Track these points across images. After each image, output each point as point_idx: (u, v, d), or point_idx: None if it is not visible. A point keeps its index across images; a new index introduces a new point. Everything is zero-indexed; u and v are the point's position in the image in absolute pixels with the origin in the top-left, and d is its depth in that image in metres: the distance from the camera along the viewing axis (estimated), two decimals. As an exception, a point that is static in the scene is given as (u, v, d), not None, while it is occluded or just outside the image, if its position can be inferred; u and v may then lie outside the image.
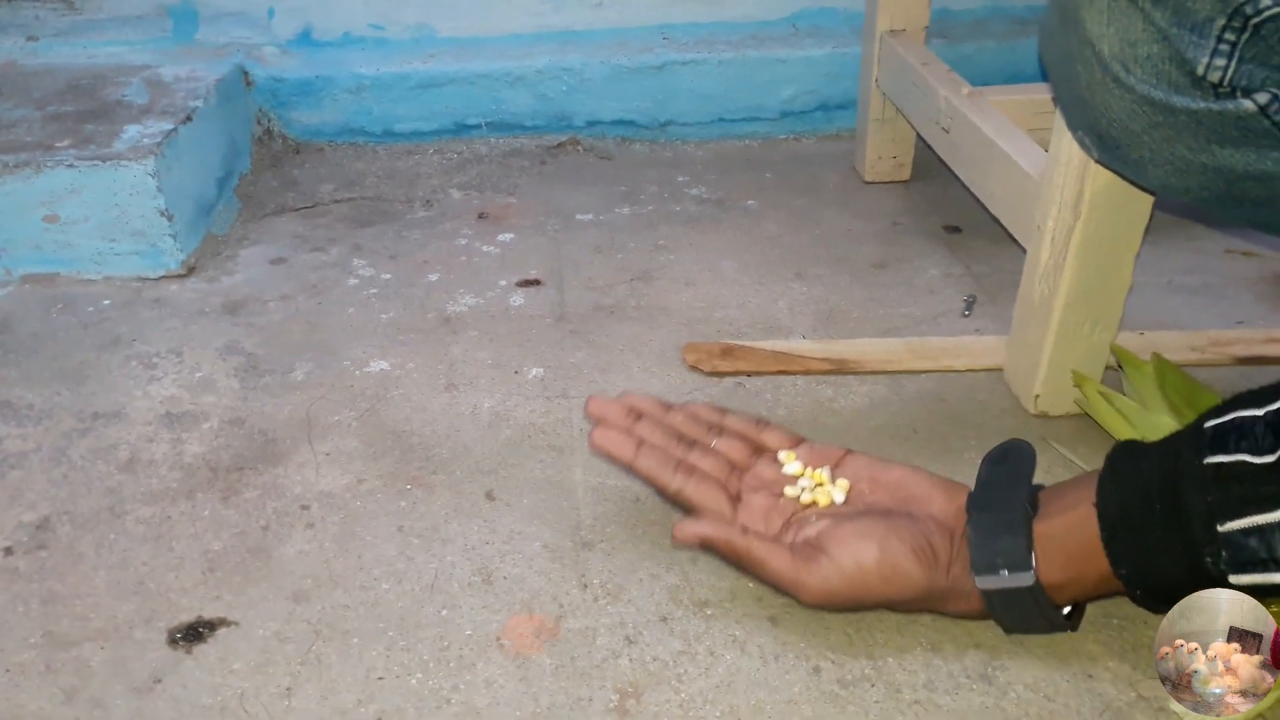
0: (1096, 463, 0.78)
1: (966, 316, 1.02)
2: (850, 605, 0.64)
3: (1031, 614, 0.61)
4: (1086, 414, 0.82)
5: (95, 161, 1.06)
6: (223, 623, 0.67)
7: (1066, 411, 0.85)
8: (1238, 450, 0.52)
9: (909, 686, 0.62)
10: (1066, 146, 0.75)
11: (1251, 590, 0.53)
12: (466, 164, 1.38)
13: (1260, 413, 0.53)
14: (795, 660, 0.63)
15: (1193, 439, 0.55)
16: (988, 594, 0.60)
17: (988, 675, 0.62)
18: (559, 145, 1.43)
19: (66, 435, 0.86)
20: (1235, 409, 0.54)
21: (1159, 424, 0.76)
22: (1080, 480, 0.61)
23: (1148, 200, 0.76)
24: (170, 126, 1.13)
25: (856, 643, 0.64)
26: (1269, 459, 0.51)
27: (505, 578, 0.71)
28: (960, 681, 0.62)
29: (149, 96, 1.22)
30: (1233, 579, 0.52)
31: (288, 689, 0.62)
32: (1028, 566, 0.59)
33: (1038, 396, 0.84)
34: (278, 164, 1.38)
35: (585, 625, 0.67)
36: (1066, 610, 0.62)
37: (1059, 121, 0.75)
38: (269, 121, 1.41)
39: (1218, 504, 0.52)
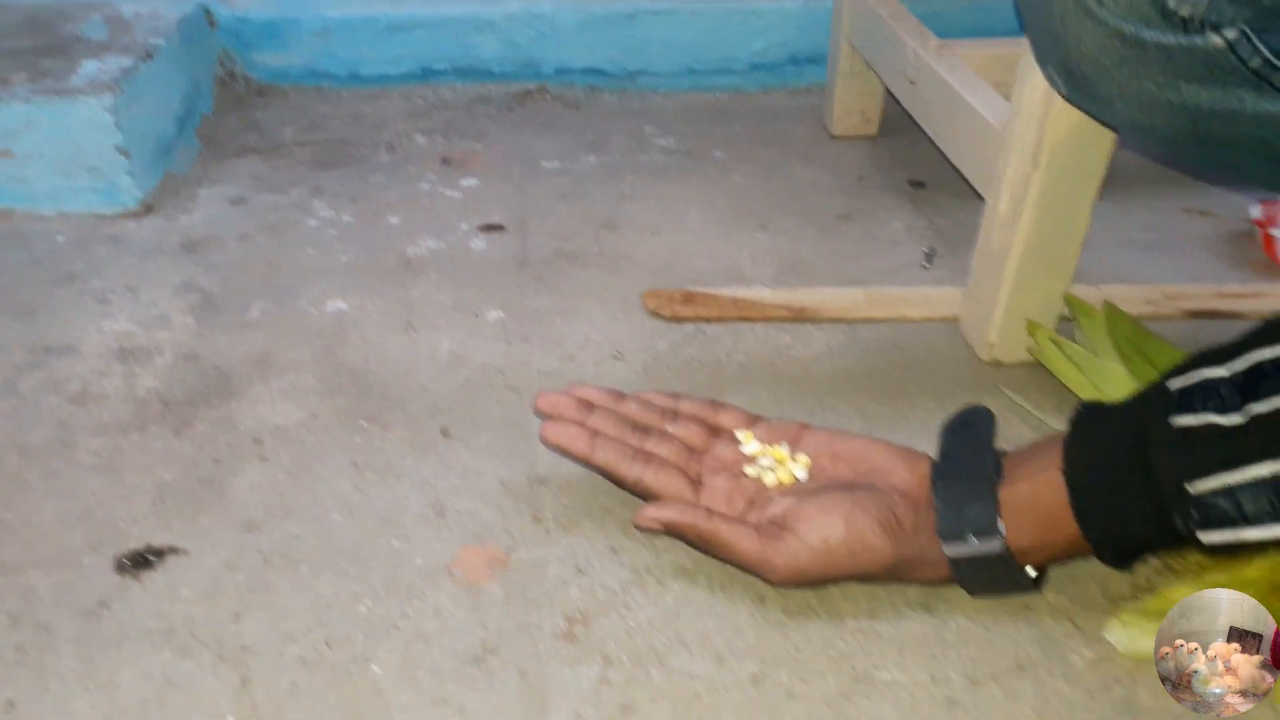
0: (1048, 409, 0.80)
1: (927, 268, 1.02)
2: (819, 581, 0.63)
3: (999, 579, 0.61)
4: (1038, 361, 0.83)
5: (51, 96, 1.04)
6: (172, 551, 0.67)
7: (1019, 359, 0.86)
8: (1204, 410, 0.52)
9: (851, 615, 0.63)
10: (1028, 96, 0.75)
11: (1222, 548, 0.53)
12: (432, 109, 1.37)
13: (1225, 372, 0.53)
14: (742, 591, 0.64)
15: (1158, 400, 0.55)
16: (956, 561, 0.60)
17: (928, 606, 0.63)
18: (527, 93, 1.42)
19: (16, 368, 0.85)
20: (1198, 368, 0.54)
21: (1108, 370, 0.77)
22: (1044, 445, 0.61)
23: (1105, 150, 0.76)
24: (129, 63, 1.11)
25: (803, 576, 0.65)
26: (1237, 418, 0.51)
27: (458, 511, 0.71)
28: (902, 611, 0.63)
29: (109, 33, 1.20)
30: (1203, 537, 0.52)
31: (236, 615, 0.63)
32: (995, 533, 0.59)
33: (992, 344, 0.85)
34: (240, 105, 1.37)
35: (536, 556, 0.67)
36: (1033, 573, 0.62)
37: (1022, 71, 0.75)
38: (232, 63, 1.39)
39: (1187, 465, 0.52)
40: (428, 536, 0.69)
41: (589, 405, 0.71)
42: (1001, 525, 0.59)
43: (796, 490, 0.65)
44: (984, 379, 0.85)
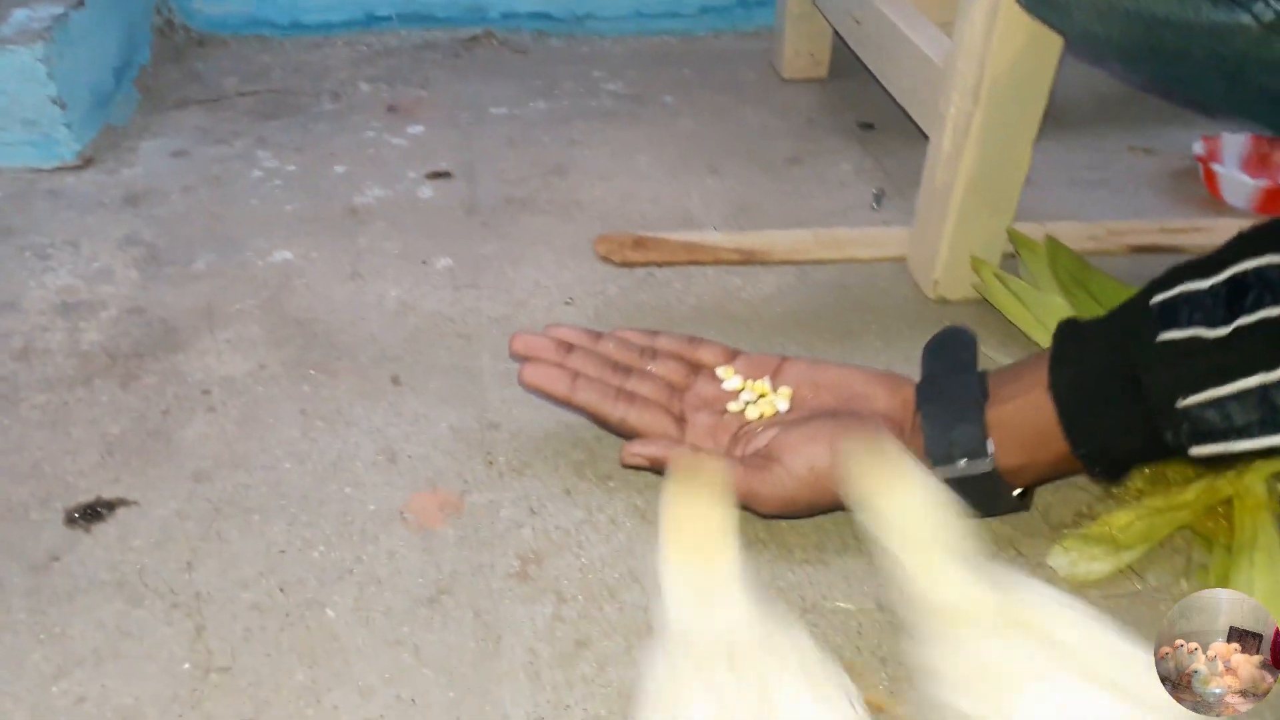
0: (993, 345, 0.81)
1: (875, 209, 1.03)
2: (808, 510, 0.63)
3: (989, 499, 0.61)
4: (984, 298, 0.85)
5: (-20, 46, 1.01)
6: (122, 503, 0.67)
7: (964, 296, 0.87)
8: (1190, 324, 0.52)
9: (800, 548, 0.64)
10: (969, 32, 0.75)
11: (1212, 460, 0.53)
12: (376, 57, 1.35)
13: (1206, 285, 0.53)
14: (693, 528, 0.65)
15: (1141, 315, 0.55)
16: (946, 483, 0.59)
17: (875, 537, 0.65)
18: (473, 38, 1.40)
19: (-43, 324, 0.83)
20: (1178, 283, 0.54)
21: (1051, 304, 0.78)
22: (1028, 363, 0.61)
23: (1045, 86, 0.77)
24: (60, 11, 1.08)
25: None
26: (1223, 331, 0.51)
27: (410, 457, 0.71)
28: (849, 543, 0.64)
29: (38, -19, 1.17)
30: (1193, 451, 0.53)
31: (188, 563, 0.62)
32: (984, 453, 0.59)
33: (937, 282, 0.86)
34: (180, 56, 1.34)
35: (489, 499, 0.67)
36: (1018, 492, 0.62)
37: (963, 6, 0.76)
38: (170, 11, 1.35)
39: (1175, 380, 0.52)
40: (379, 482, 0.69)
41: (567, 346, 0.70)
42: (990, 446, 0.59)
43: (780, 421, 0.65)
44: (930, 316, 0.86)
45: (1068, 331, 0.60)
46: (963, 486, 0.60)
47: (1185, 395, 0.52)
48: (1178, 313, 0.53)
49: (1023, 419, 0.59)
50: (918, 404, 0.62)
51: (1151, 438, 0.54)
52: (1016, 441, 0.59)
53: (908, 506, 0.55)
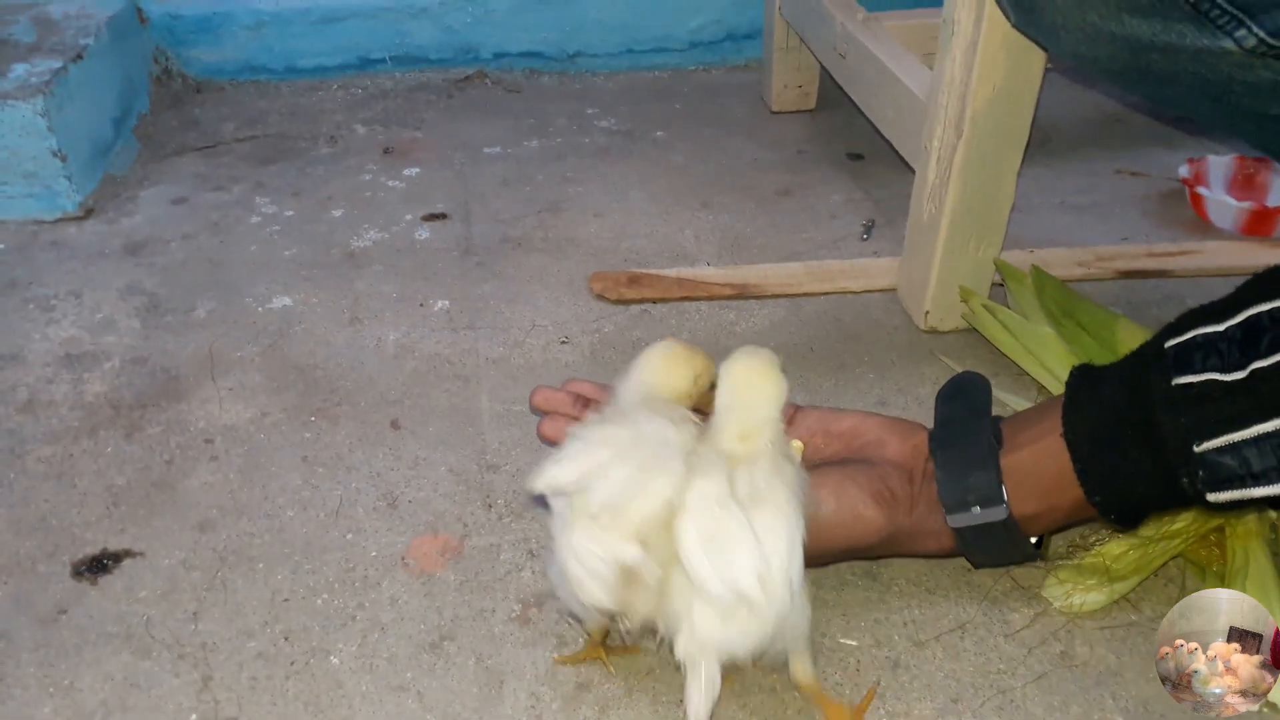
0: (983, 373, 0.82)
1: (865, 240, 1.04)
2: (816, 557, 0.61)
3: (1004, 547, 0.60)
4: (973, 328, 0.86)
5: (-19, 101, 1.03)
6: (127, 554, 0.68)
7: (955, 326, 0.88)
8: (1205, 369, 0.52)
9: (797, 585, 0.64)
10: (949, 67, 0.77)
11: (1229, 505, 0.53)
12: (371, 99, 1.37)
13: (1221, 329, 0.52)
14: (690, 566, 0.66)
15: (1155, 360, 0.54)
16: (960, 531, 0.59)
17: (872, 573, 0.65)
18: (466, 78, 1.42)
19: (-38, 379, 0.84)
20: (1192, 327, 0.54)
21: (1039, 334, 0.79)
22: (1041, 409, 0.61)
23: (1027, 118, 0.79)
24: (59, 65, 1.10)
25: (750, 548, 0.67)
26: (1239, 375, 0.51)
27: (410, 501, 0.72)
28: (846, 579, 0.65)
29: (36, 34, 1.19)
30: (1210, 497, 0.52)
31: (194, 614, 0.63)
32: (1000, 501, 0.58)
33: (927, 313, 0.87)
34: (178, 103, 1.35)
35: (489, 543, 0.68)
36: (1034, 540, 0.61)
37: (943, 41, 0.77)
38: (167, 60, 1.37)
39: (1192, 425, 0.52)
40: (380, 528, 0.70)
41: (584, 400, 0.69)
42: (1005, 493, 0.58)
43: None
44: (921, 347, 0.87)
45: (1081, 377, 0.59)
46: (979, 535, 0.59)
47: (1201, 441, 0.51)
48: (1192, 357, 0.52)
49: (1037, 466, 0.58)
50: (931, 450, 0.61)
51: (1167, 484, 0.53)
52: (1031, 489, 0.58)
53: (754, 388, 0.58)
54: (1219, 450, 0.51)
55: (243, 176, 1.17)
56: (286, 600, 0.64)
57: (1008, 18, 0.69)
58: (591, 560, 0.52)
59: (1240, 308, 0.52)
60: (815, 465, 0.64)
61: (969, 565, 0.66)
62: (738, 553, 0.50)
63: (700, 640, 0.52)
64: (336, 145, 1.24)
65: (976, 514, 0.58)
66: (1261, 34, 0.52)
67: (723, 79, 1.45)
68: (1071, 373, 0.59)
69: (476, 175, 1.17)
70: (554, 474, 0.54)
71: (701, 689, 0.52)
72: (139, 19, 1.32)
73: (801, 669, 0.56)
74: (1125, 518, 0.58)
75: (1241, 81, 0.55)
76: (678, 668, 0.54)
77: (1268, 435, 0.50)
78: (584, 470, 0.53)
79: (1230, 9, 0.52)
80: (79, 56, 1.13)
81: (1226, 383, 0.51)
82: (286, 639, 0.62)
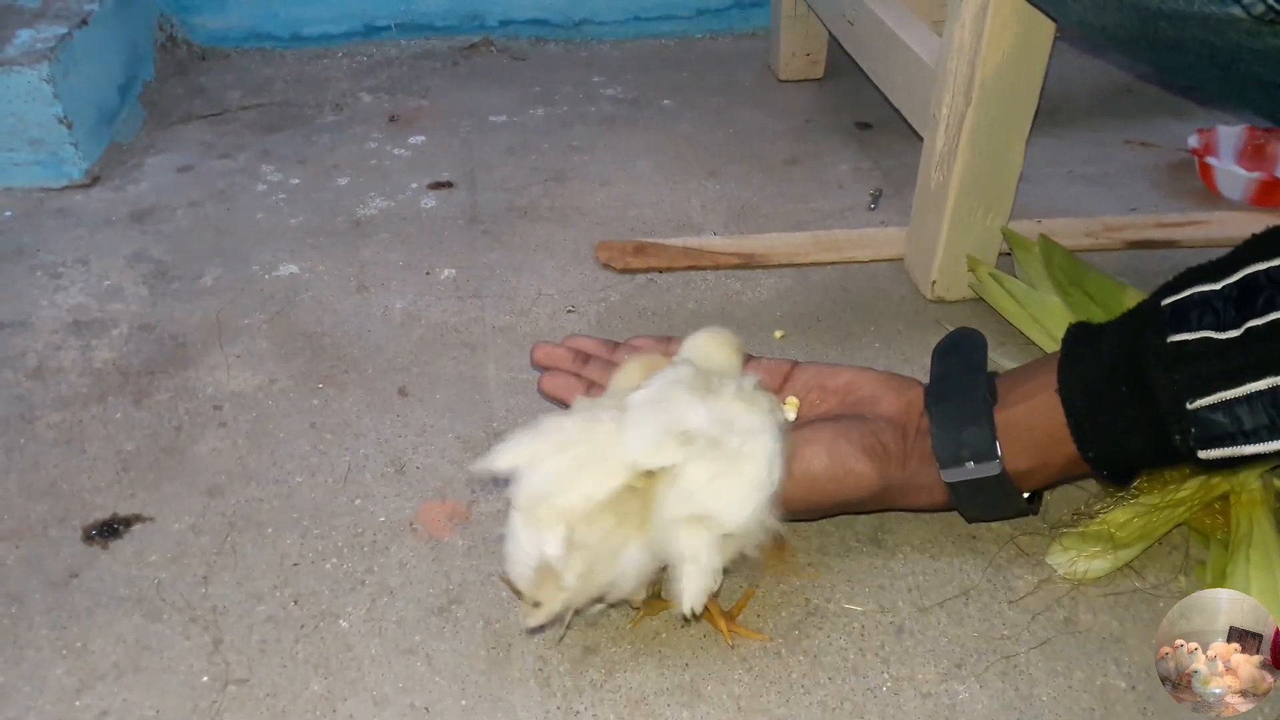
0: (991, 344, 0.81)
1: (873, 210, 1.04)
2: (808, 511, 0.63)
3: (997, 502, 0.61)
4: (980, 297, 0.86)
5: (-14, 67, 1.03)
6: (138, 519, 0.68)
7: (962, 296, 0.88)
8: (1200, 327, 0.52)
9: (803, 552, 0.65)
10: (959, 33, 0.76)
11: (1220, 463, 0.53)
12: (376, 67, 1.36)
13: (1218, 287, 0.52)
14: (696, 532, 0.66)
15: (1151, 317, 0.54)
16: (954, 486, 0.60)
17: (877, 539, 0.66)
18: (472, 46, 1.42)
19: (-29, 345, 0.85)
20: (1189, 285, 0.54)
21: (1046, 303, 0.79)
22: (1037, 365, 0.61)
23: (1036, 86, 0.78)
24: (64, 31, 1.09)
25: (756, 515, 0.68)
26: (1233, 334, 0.51)
27: (418, 468, 0.72)
28: (851, 545, 0.65)
29: (41, 1, 1.18)
30: (1202, 454, 0.53)
31: (204, 578, 0.64)
32: (993, 456, 0.59)
33: (934, 282, 0.87)
34: (183, 71, 1.35)
35: (497, 509, 0.69)
36: (1027, 495, 0.62)
37: (953, 8, 0.76)
38: (172, 27, 1.37)
39: (1185, 382, 0.52)
40: (389, 493, 0.70)
41: (584, 356, 0.70)
42: (999, 448, 0.59)
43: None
44: (928, 316, 0.87)
45: (1077, 334, 0.59)
46: (972, 490, 0.60)
47: (1194, 398, 0.52)
48: (1188, 314, 0.52)
49: (1031, 421, 0.58)
50: (926, 405, 0.62)
51: (1160, 440, 0.54)
52: (1025, 444, 0.58)
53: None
54: (1211, 408, 0.51)
55: (248, 144, 1.17)
56: (296, 565, 0.65)
57: None
58: (514, 546, 0.54)
59: (1237, 266, 0.52)
60: (810, 420, 0.64)
61: (973, 532, 0.66)
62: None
63: (693, 504, 0.53)
64: (342, 113, 1.24)
65: (970, 469, 0.59)
66: (1270, 0, 0.52)
67: (730, 47, 1.44)
68: (1068, 329, 0.60)
69: (482, 143, 1.17)
70: (493, 460, 0.56)
71: (696, 575, 0.53)
72: (143, -15, 1.32)
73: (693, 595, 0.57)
74: (1117, 474, 0.59)
75: (1250, 49, 0.55)
76: (686, 619, 0.55)
77: (1260, 393, 0.50)
78: (522, 458, 0.55)
79: None
80: (84, 22, 1.12)
81: (1221, 340, 0.51)
82: (296, 603, 0.62)
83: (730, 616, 0.60)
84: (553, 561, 0.52)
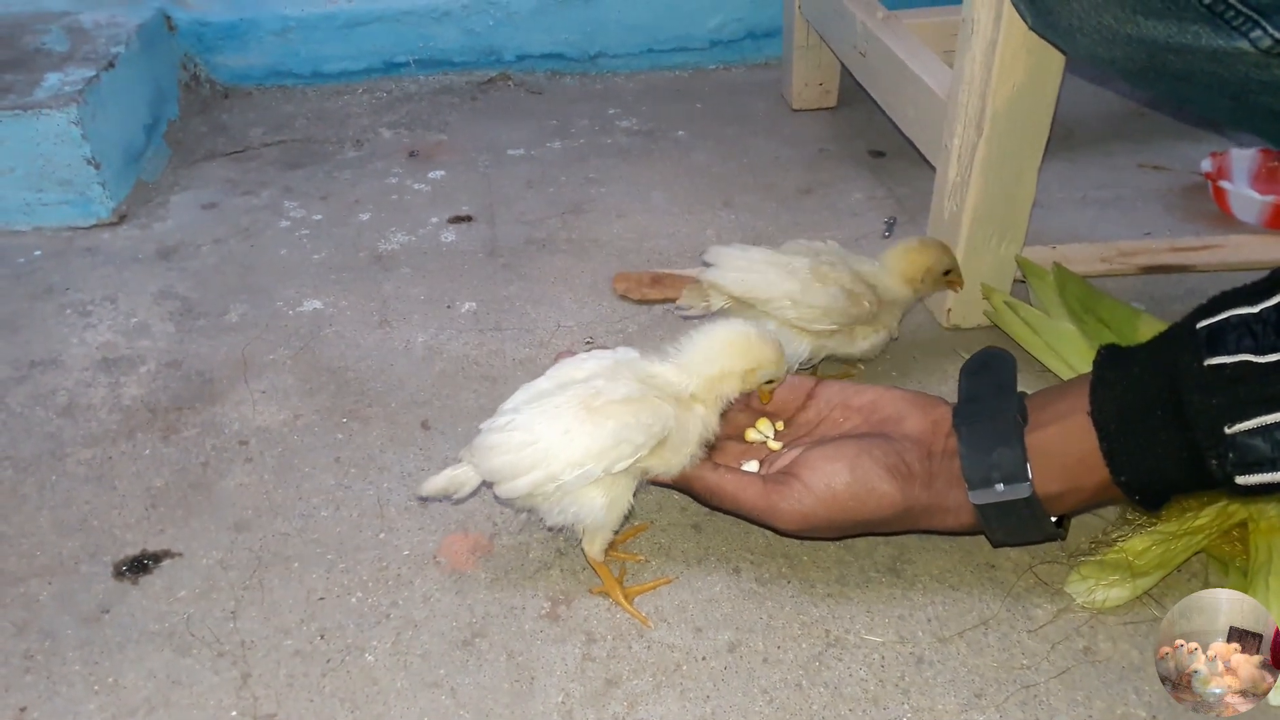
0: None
1: (887, 237, 1.05)
2: (830, 529, 0.62)
3: (1025, 526, 0.60)
4: (996, 325, 0.86)
5: (16, 111, 1.05)
6: (167, 554, 0.70)
7: (977, 323, 0.88)
8: (1239, 350, 0.51)
9: (822, 582, 0.65)
10: (969, 66, 0.77)
11: (1256, 489, 0.52)
12: (396, 103, 1.38)
13: (1256, 310, 0.52)
14: (717, 563, 0.67)
15: (1186, 341, 0.54)
16: (982, 508, 0.59)
17: (895, 569, 0.66)
18: (489, 81, 1.44)
19: (3, 384, 0.86)
20: (1226, 308, 0.53)
21: (1062, 330, 0.80)
22: (1068, 388, 0.60)
23: (1047, 116, 0.79)
24: (92, 73, 1.12)
25: (775, 546, 0.68)
26: (1274, 357, 0.50)
27: (441, 501, 0.73)
28: (870, 576, 0.66)
29: (69, 44, 1.21)
30: (1239, 480, 0.52)
31: (233, 612, 0.65)
32: (1024, 478, 0.58)
33: (950, 310, 0.88)
34: (206, 109, 1.38)
35: (519, 541, 0.70)
36: (1055, 520, 0.61)
37: (963, 39, 0.78)
38: (195, 66, 1.39)
39: (1223, 406, 0.51)
40: (412, 527, 0.71)
41: None
42: (1030, 470, 0.58)
43: (805, 442, 0.66)
44: (944, 344, 0.87)
45: (1108, 357, 0.58)
46: (1001, 513, 0.59)
47: (1232, 422, 0.51)
48: (1225, 337, 0.52)
49: (1064, 445, 0.57)
50: (955, 425, 0.61)
51: (1195, 465, 0.53)
52: (1056, 467, 0.58)
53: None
54: (1250, 432, 0.50)
55: (271, 181, 1.19)
56: (322, 599, 0.66)
57: (1025, 20, 0.70)
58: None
59: (1275, 290, 0.52)
60: (833, 439, 0.64)
61: (991, 561, 0.66)
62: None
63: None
64: (363, 149, 1.26)
65: (1000, 491, 0.58)
66: (1277, 34, 0.53)
67: (743, 77, 1.45)
68: (1099, 352, 0.59)
69: (500, 177, 1.19)
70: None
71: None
72: (168, 26, 1.35)
73: (589, 547, 0.64)
74: (1151, 499, 0.57)
75: (1258, 81, 0.56)
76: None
77: None
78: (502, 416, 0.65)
79: (1244, 10, 0.53)
80: (111, 65, 1.15)
81: (1261, 364, 0.50)
82: (322, 637, 0.63)
83: (630, 595, 0.65)
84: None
